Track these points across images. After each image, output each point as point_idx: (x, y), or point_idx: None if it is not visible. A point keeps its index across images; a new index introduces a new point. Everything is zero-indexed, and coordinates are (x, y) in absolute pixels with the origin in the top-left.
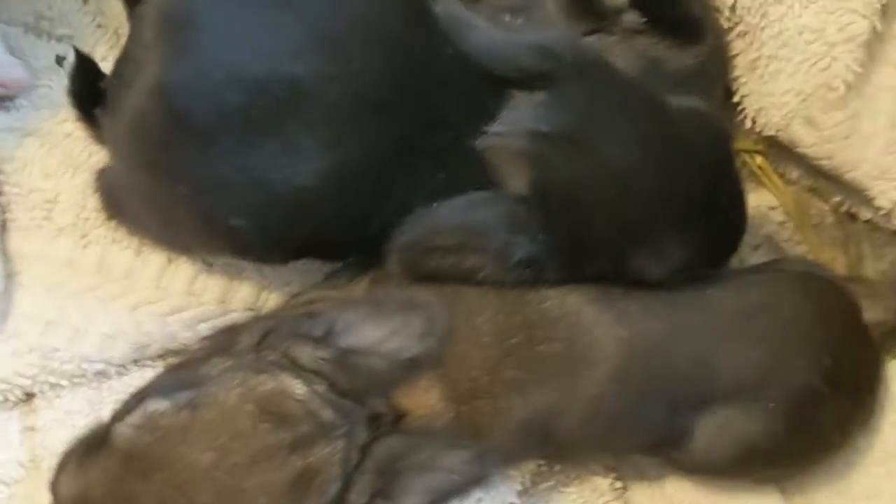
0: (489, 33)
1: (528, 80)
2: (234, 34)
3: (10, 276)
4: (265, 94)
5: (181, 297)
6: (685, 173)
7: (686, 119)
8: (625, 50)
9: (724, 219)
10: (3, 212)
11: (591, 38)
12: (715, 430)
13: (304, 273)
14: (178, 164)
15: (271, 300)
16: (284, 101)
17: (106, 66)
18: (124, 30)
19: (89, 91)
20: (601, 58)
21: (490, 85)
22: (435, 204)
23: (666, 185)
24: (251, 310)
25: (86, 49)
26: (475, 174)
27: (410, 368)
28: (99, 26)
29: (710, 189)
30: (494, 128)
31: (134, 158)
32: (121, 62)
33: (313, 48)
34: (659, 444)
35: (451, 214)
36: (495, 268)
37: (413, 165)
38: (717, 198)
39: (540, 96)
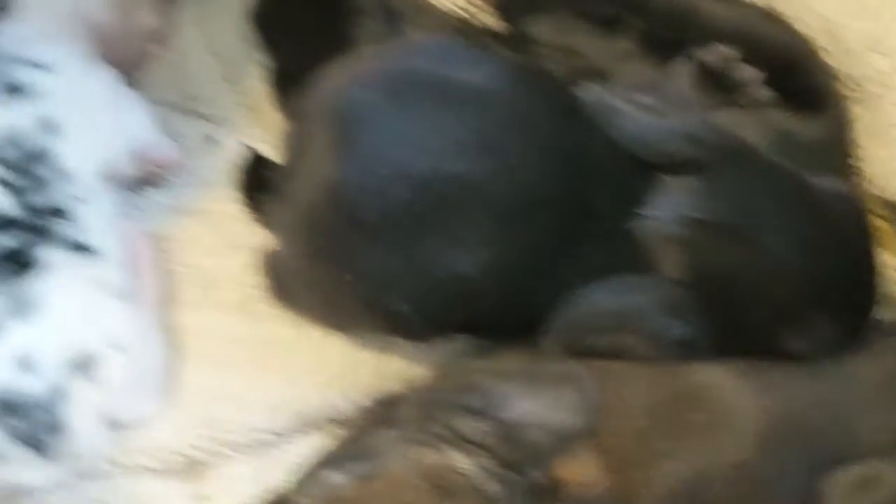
0: (637, 120)
1: (677, 166)
2: (400, 134)
3: (174, 349)
4: (430, 191)
5: (339, 369)
6: (832, 254)
7: (829, 199)
8: (756, 123)
9: (865, 293)
10: (168, 288)
11: (723, 112)
12: (849, 487)
13: (454, 345)
14: (346, 254)
15: (424, 371)
16: (448, 197)
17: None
18: (267, 108)
19: (255, 178)
20: (745, 142)
21: (639, 170)
22: (591, 286)
23: (815, 266)
24: (405, 380)
25: (230, 128)
26: (629, 257)
27: (567, 440)
28: (243, 105)
29: (852, 266)
30: (649, 213)
31: (303, 246)
32: (288, 154)
33: (474, 147)
34: None
35: (607, 297)
36: (649, 347)
37: (569, 252)
38: (858, 274)
39: (691, 182)
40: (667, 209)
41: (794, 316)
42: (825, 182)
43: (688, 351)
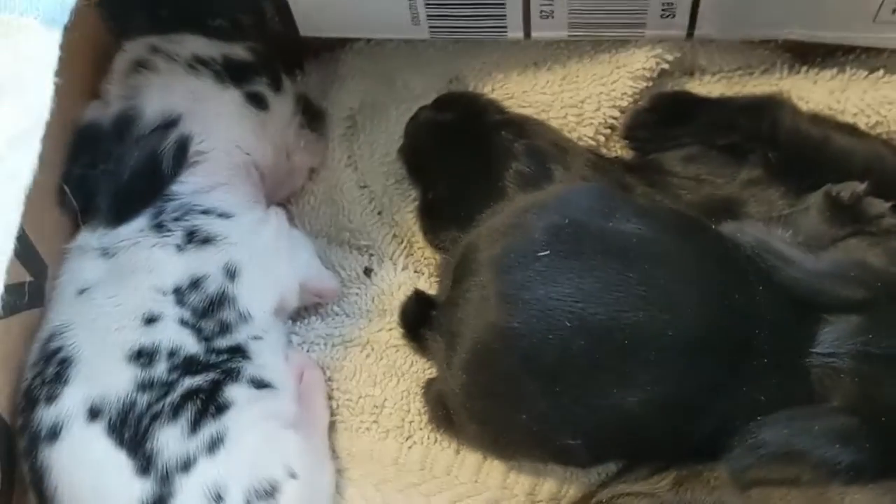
0: (805, 267)
1: (843, 306)
2: (574, 284)
3: (340, 473)
4: (608, 339)
5: (497, 491)
6: None
7: None
8: (884, 251)
9: None
10: (333, 415)
11: (853, 241)
12: None
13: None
14: (519, 395)
15: (573, 490)
16: (623, 344)
17: (404, 275)
18: (417, 239)
19: (418, 316)
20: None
21: (800, 309)
22: (763, 420)
23: None
24: (555, 500)
25: (384, 257)
26: (798, 392)
27: None
28: (395, 237)
29: None
30: (820, 349)
31: (473, 386)
32: (453, 297)
33: (652, 298)
34: None
35: (778, 429)
36: (820, 475)
37: (730, 390)
38: None
39: (858, 319)
40: (834, 344)
41: None
42: None
43: (857, 478)
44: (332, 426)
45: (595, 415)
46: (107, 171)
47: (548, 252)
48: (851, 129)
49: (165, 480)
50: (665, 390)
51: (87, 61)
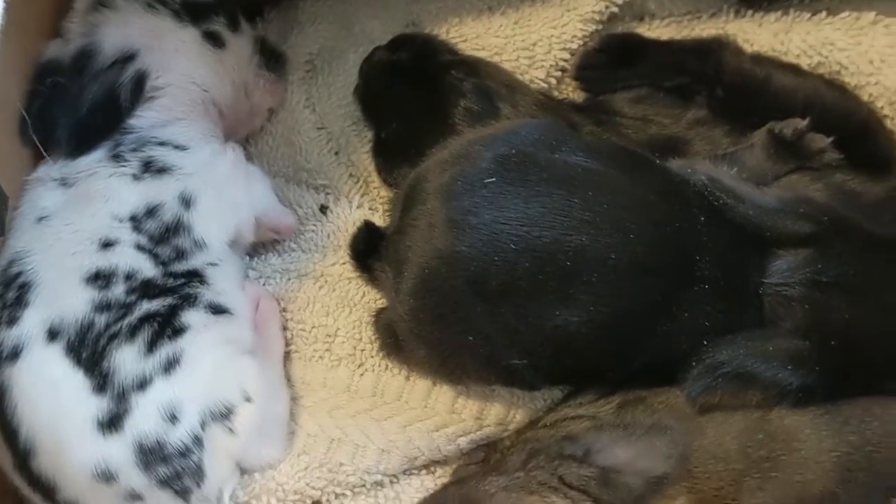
0: (755, 204)
1: (795, 241)
2: (521, 211)
3: (294, 401)
4: (553, 261)
5: (445, 416)
6: None
7: None
8: (825, 185)
9: None
10: (288, 345)
11: (795, 176)
12: None
13: (546, 391)
14: (467, 317)
15: (520, 415)
16: (567, 266)
17: (359, 212)
18: (373, 178)
19: (367, 246)
20: (849, 216)
21: (747, 243)
22: (719, 342)
23: None
24: (502, 425)
25: (340, 196)
26: (734, 320)
27: (659, 484)
28: (351, 176)
29: None
30: (772, 280)
31: (421, 311)
32: (402, 226)
33: (595, 223)
34: None
35: (735, 350)
36: (770, 398)
37: (672, 314)
38: None
39: (807, 251)
40: (785, 275)
41: None
42: None
43: (805, 401)
44: (286, 355)
45: (539, 335)
46: (66, 105)
47: (494, 179)
48: (793, 69)
49: (121, 398)
50: (607, 311)
51: (49, 1)
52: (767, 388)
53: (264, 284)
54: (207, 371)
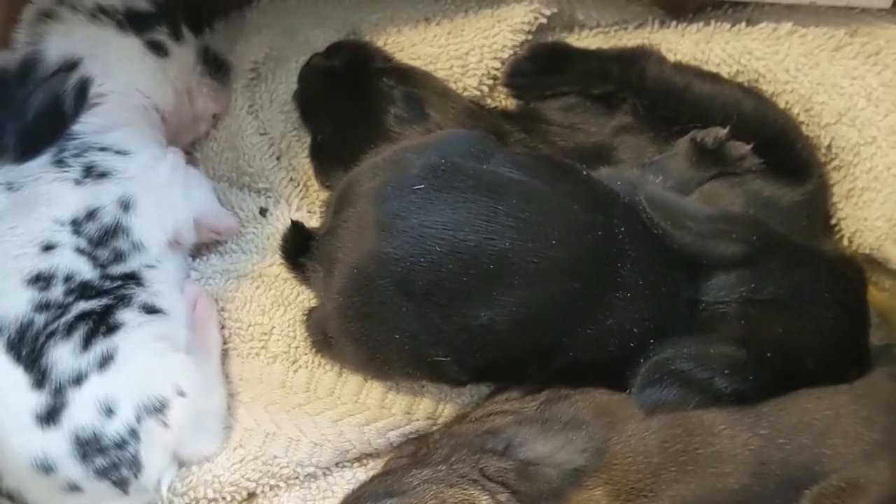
0: (691, 229)
1: (727, 263)
2: (447, 216)
3: (232, 396)
4: (477, 264)
5: (375, 410)
6: (854, 314)
7: (842, 266)
8: (745, 192)
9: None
10: (225, 342)
11: (716, 183)
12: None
13: (473, 386)
14: (394, 316)
15: (448, 410)
16: (491, 268)
17: (298, 215)
18: (313, 183)
19: (296, 245)
20: (776, 232)
21: (669, 255)
22: (660, 343)
23: (842, 321)
24: (431, 419)
25: (280, 199)
26: (662, 326)
27: (576, 476)
28: (291, 180)
29: (863, 317)
30: (707, 297)
31: (349, 309)
32: (333, 227)
33: (518, 228)
34: None
35: (679, 350)
36: (707, 400)
37: (596, 317)
38: (865, 323)
39: (740, 272)
40: (720, 295)
41: (831, 364)
42: (831, 249)
43: (737, 404)
44: (224, 353)
45: (463, 333)
46: (12, 112)
47: (423, 186)
48: (712, 77)
49: (58, 393)
50: (528, 312)
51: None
52: (703, 391)
53: (205, 285)
54: (141, 367)
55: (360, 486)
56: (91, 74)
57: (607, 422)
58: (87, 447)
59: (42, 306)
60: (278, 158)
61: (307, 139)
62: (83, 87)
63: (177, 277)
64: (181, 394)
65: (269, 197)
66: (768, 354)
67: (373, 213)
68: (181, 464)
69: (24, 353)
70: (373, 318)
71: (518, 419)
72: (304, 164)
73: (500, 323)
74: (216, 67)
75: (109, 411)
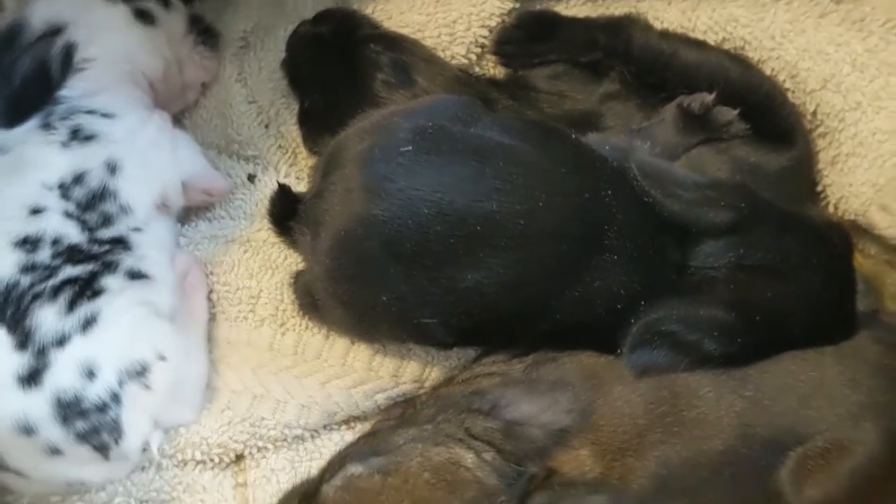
0: (685, 199)
1: (716, 230)
2: (435, 178)
3: (220, 359)
4: (464, 226)
5: (363, 373)
6: (841, 279)
7: (829, 231)
8: (731, 158)
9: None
10: (214, 306)
11: (703, 148)
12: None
13: (460, 350)
14: (382, 278)
15: (435, 373)
16: (478, 230)
17: (287, 182)
18: (301, 150)
19: (284, 209)
20: (764, 198)
21: (658, 219)
22: (650, 305)
23: (828, 286)
24: (418, 382)
25: (269, 166)
26: (650, 288)
27: (561, 436)
28: (280, 147)
29: (846, 283)
30: (695, 262)
31: (337, 271)
32: (320, 190)
33: (506, 190)
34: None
35: (668, 312)
36: (695, 362)
37: (583, 279)
38: (851, 286)
39: (729, 238)
40: (709, 260)
41: (818, 328)
42: (817, 213)
43: (728, 363)
44: (212, 317)
45: (450, 295)
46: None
47: (410, 148)
48: (699, 44)
49: (41, 354)
50: (515, 274)
51: None
52: (691, 353)
53: (193, 250)
54: (123, 331)
55: (347, 446)
56: (76, 39)
57: (594, 384)
58: (69, 410)
59: (28, 268)
60: (267, 126)
61: (296, 107)
62: (69, 52)
63: (165, 242)
64: (162, 358)
65: (258, 164)
66: (757, 318)
67: (360, 176)
68: (162, 429)
69: (8, 313)
70: (360, 280)
71: (504, 381)
72: (293, 132)
73: (487, 285)
74: (205, 36)
75: (91, 374)
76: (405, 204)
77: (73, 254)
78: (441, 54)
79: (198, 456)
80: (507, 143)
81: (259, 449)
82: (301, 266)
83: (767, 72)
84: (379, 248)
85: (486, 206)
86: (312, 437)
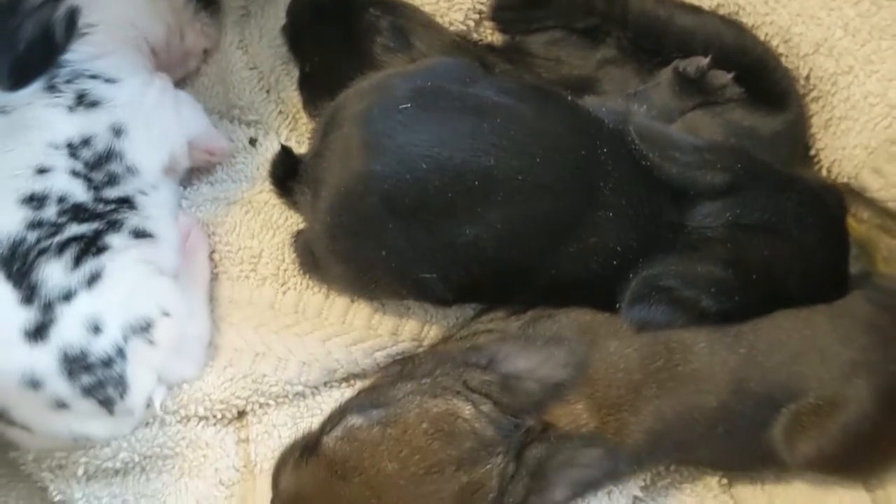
0: (682, 161)
1: (713, 191)
2: (433, 135)
3: (222, 318)
4: (462, 180)
5: (362, 331)
6: (834, 238)
7: (823, 192)
8: (726, 121)
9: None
10: (216, 266)
11: (699, 112)
12: (803, 415)
13: (458, 309)
14: (381, 233)
15: (433, 331)
16: (476, 185)
17: (288, 145)
18: (301, 115)
19: (285, 170)
20: (760, 160)
21: (653, 177)
22: (649, 260)
23: (824, 245)
24: (417, 340)
25: (270, 131)
26: (645, 246)
27: (557, 390)
28: (280, 112)
29: (840, 243)
30: (692, 222)
31: (337, 228)
32: (320, 149)
33: (503, 146)
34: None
35: (667, 267)
36: (693, 318)
37: (579, 235)
38: (845, 247)
39: (726, 199)
40: (707, 220)
41: (812, 287)
42: (813, 177)
43: (724, 321)
44: (215, 276)
45: (448, 250)
46: (4, 43)
47: (409, 106)
48: (694, 9)
49: (47, 309)
50: (512, 229)
51: None
52: (689, 309)
53: (195, 212)
54: (127, 287)
55: (347, 399)
56: (79, 4)
57: (589, 339)
58: (74, 364)
59: (35, 224)
60: (268, 92)
61: (296, 72)
62: (72, 17)
63: (170, 204)
64: (166, 314)
65: (259, 129)
66: (753, 276)
67: (359, 134)
68: (166, 384)
69: (14, 268)
70: (359, 236)
71: (502, 336)
72: (293, 97)
73: (485, 240)
74: (206, 3)
75: (97, 329)
76: (404, 160)
77: (78, 212)
78: (439, 20)
79: (201, 412)
80: (504, 103)
81: (261, 405)
82: (302, 226)
83: (761, 36)
84: (378, 204)
85: (483, 162)
86: (313, 393)
